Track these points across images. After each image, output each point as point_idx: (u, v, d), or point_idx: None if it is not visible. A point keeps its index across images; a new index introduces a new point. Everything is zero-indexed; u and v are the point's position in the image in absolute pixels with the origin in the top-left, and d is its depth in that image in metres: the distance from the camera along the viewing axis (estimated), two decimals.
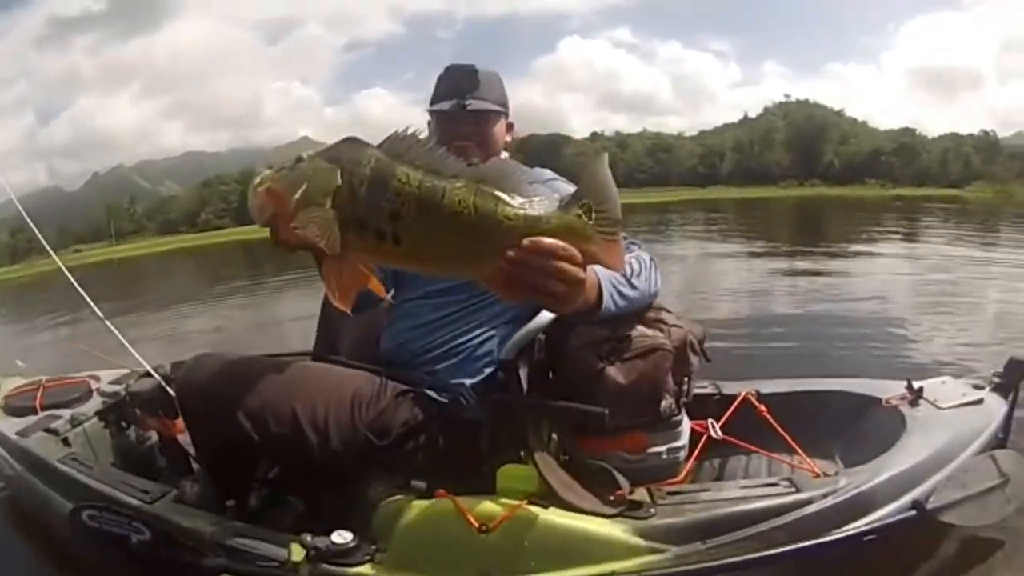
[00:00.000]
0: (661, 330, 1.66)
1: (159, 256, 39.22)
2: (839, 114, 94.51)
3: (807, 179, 79.48)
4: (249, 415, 1.60)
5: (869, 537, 1.58)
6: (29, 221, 2.80)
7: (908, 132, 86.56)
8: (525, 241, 0.91)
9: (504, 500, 1.54)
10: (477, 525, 1.49)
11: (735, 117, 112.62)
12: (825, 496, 1.59)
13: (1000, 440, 1.89)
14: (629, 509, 1.57)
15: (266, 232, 1.00)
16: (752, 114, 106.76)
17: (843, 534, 1.57)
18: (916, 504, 1.63)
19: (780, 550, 1.53)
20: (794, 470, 1.80)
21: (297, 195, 0.94)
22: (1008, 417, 1.91)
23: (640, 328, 1.65)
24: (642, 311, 1.66)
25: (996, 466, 1.77)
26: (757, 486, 1.66)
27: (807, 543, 1.54)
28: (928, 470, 1.71)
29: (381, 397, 1.64)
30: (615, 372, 1.62)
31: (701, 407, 1.96)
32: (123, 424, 2.31)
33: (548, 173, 1.81)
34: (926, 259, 10.06)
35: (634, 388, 1.63)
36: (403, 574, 1.56)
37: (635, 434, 1.70)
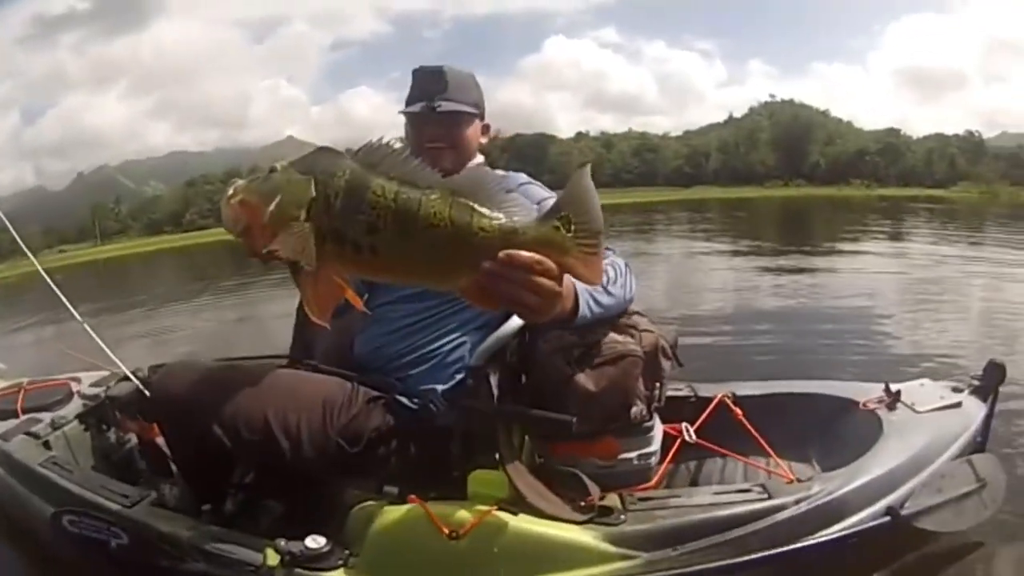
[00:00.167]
0: (632, 336, 1.65)
1: (145, 256, 39.03)
2: (824, 114, 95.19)
3: (792, 179, 79.80)
4: (222, 423, 1.60)
5: (843, 543, 1.58)
6: (6, 222, 2.78)
7: (893, 132, 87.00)
8: (500, 254, 0.90)
9: (475, 506, 1.53)
10: (447, 531, 1.49)
11: (721, 117, 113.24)
12: (798, 502, 1.59)
13: (979, 444, 1.89)
14: (599, 515, 1.57)
15: None
16: (737, 114, 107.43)
17: (815, 540, 1.57)
18: (890, 510, 1.64)
19: (751, 556, 1.53)
20: (770, 475, 1.80)
21: (271, 206, 0.93)
22: (987, 421, 1.92)
23: (611, 334, 1.65)
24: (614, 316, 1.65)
25: (973, 471, 1.78)
26: (729, 492, 1.66)
27: (778, 549, 1.54)
28: (903, 475, 1.71)
29: (352, 403, 1.64)
30: (584, 379, 1.61)
31: (677, 410, 1.96)
32: (103, 427, 2.32)
33: (522, 177, 1.80)
34: (911, 258, 10.17)
35: (603, 395, 1.62)
36: None
37: (607, 440, 1.70)
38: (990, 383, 1.96)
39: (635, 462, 1.73)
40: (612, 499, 1.61)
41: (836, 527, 1.60)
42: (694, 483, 1.99)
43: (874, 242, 13.51)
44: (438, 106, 1.73)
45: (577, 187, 0.94)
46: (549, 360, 1.65)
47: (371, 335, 1.80)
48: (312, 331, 2.02)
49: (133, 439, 2.29)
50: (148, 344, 6.48)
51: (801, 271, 8.60)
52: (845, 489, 1.63)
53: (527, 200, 1.10)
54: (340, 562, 1.58)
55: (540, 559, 1.51)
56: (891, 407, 1.95)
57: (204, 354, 4.67)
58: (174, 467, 2.02)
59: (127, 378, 2.30)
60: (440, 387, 1.67)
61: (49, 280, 2.59)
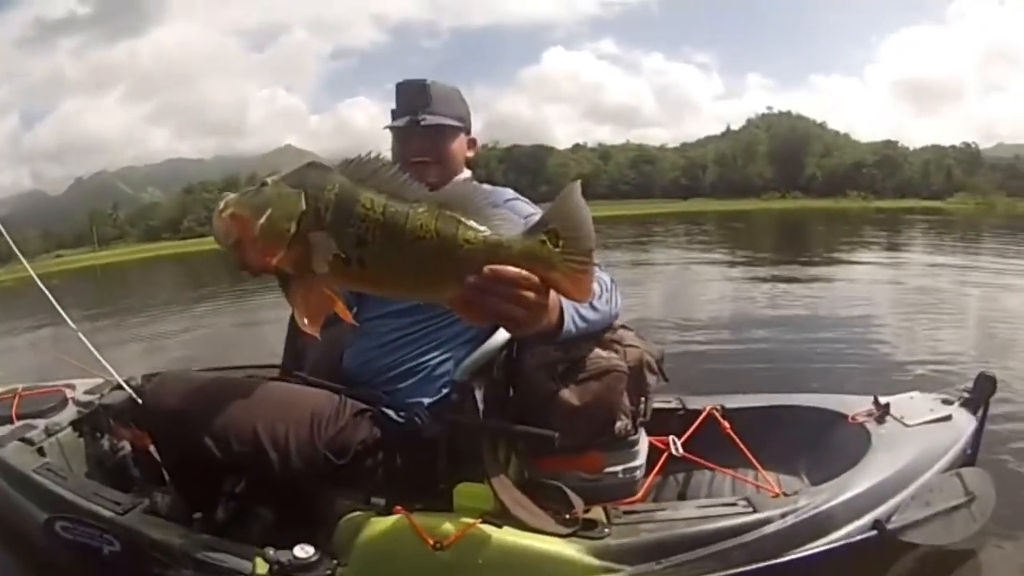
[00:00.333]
0: (616, 351, 1.66)
1: (142, 263, 39.00)
2: (822, 126, 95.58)
3: (789, 191, 79.93)
4: (212, 434, 1.61)
5: (829, 557, 1.58)
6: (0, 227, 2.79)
7: (890, 144, 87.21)
8: (486, 268, 0.91)
9: (460, 518, 1.54)
10: (432, 542, 1.50)
11: (718, 129, 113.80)
12: (783, 516, 1.59)
13: (969, 457, 1.88)
14: (583, 528, 1.57)
15: None
16: (735, 126, 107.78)
17: (801, 554, 1.57)
18: (877, 524, 1.63)
19: (736, 570, 1.53)
20: (758, 489, 1.80)
21: (262, 220, 0.94)
22: (977, 433, 1.91)
23: (596, 349, 1.65)
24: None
25: (962, 484, 1.77)
26: (714, 506, 1.66)
27: (764, 563, 1.54)
28: (891, 489, 1.70)
29: (340, 416, 1.65)
30: (568, 394, 1.62)
31: (665, 422, 1.97)
32: (97, 434, 2.33)
33: (509, 192, 1.81)
34: (907, 267, 10.20)
35: (588, 410, 1.62)
36: None
37: (592, 454, 1.71)
38: (980, 395, 1.95)
39: (620, 476, 1.73)
40: (597, 512, 1.61)
41: (822, 541, 1.60)
42: (682, 496, 1.98)
43: (870, 253, 13.53)
44: (422, 120, 1.74)
45: (567, 202, 0.94)
46: (534, 375, 1.65)
47: (359, 348, 1.81)
48: (303, 341, 2.03)
49: (127, 447, 2.29)
50: (144, 350, 6.49)
51: (797, 281, 8.61)
52: (831, 503, 1.63)
53: (514, 215, 1.11)
54: (328, 571, 1.58)
55: (523, 571, 1.52)
56: (880, 420, 1.94)
57: (200, 360, 4.68)
58: (166, 475, 2.03)
59: (121, 386, 2.31)
60: (427, 400, 1.68)
61: (42, 285, 2.61)
